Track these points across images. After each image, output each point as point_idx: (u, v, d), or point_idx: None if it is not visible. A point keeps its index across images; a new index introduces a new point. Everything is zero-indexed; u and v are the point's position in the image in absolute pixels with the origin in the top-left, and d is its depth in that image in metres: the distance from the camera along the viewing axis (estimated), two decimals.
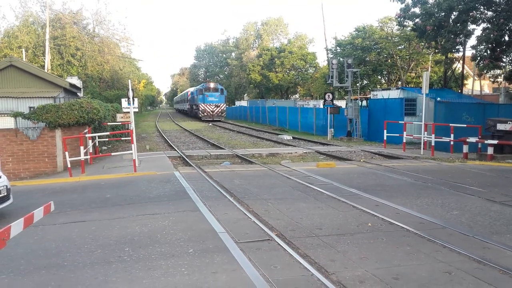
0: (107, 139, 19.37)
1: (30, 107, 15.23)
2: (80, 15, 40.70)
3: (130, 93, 14.03)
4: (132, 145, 13.40)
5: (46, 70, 28.44)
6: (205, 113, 46.30)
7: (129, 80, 15.36)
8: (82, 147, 13.07)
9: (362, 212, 7.83)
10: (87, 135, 14.52)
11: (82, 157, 12.96)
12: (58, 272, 5.25)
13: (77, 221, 7.50)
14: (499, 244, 6.07)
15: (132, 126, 14.42)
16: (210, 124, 41.60)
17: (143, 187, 10.38)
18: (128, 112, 14.68)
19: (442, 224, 7.06)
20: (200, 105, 46.70)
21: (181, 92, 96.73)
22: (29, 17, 38.44)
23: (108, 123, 18.86)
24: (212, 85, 48.81)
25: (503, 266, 5.23)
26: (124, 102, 14.49)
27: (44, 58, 34.04)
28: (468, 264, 5.35)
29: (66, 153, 12.49)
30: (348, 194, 9.27)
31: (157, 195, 9.53)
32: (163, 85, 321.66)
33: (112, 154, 15.80)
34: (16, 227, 4.00)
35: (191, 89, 61.41)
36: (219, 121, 45.31)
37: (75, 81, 23.24)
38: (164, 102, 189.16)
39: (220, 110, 46.90)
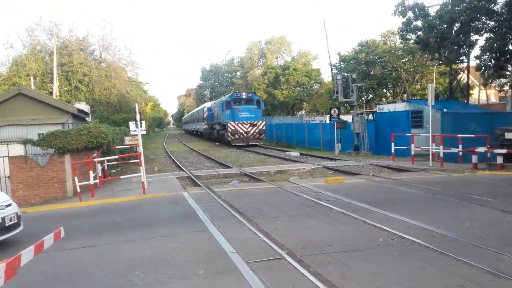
0: (115, 162, 19.50)
1: (39, 134, 15.40)
2: (86, 41, 41.44)
3: (138, 116, 14.21)
4: (141, 167, 13.46)
5: (54, 97, 28.89)
6: (236, 135, 32.15)
7: (136, 104, 15.56)
8: (91, 171, 13.18)
9: (372, 227, 7.77)
10: (96, 159, 14.64)
11: (92, 181, 13.06)
12: None
13: (87, 246, 7.52)
14: None
15: (140, 148, 14.53)
16: (216, 143, 37.71)
17: (152, 209, 10.40)
18: (136, 135, 14.83)
19: (454, 236, 6.98)
20: (228, 125, 32.40)
21: (188, 113, 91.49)
22: (37, 45, 39.17)
23: (117, 146, 19.02)
24: (244, 95, 34.51)
25: None
26: (132, 125, 14.65)
27: (52, 85, 34.56)
28: (482, 277, 5.26)
29: (76, 178, 12.58)
30: (358, 209, 9.21)
31: (167, 216, 9.54)
32: (170, 107, 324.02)
33: (121, 177, 15.85)
34: (27, 255, 4.01)
35: (208, 104, 48.43)
36: (256, 145, 32.45)
37: (83, 106, 23.58)
38: (172, 123, 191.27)
39: (257, 131, 32.74)
